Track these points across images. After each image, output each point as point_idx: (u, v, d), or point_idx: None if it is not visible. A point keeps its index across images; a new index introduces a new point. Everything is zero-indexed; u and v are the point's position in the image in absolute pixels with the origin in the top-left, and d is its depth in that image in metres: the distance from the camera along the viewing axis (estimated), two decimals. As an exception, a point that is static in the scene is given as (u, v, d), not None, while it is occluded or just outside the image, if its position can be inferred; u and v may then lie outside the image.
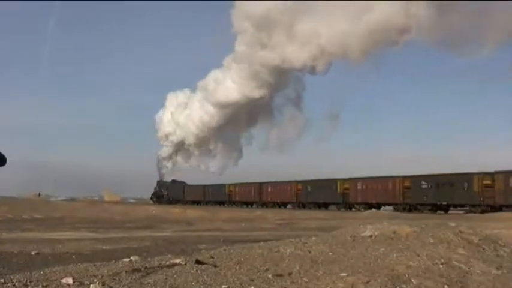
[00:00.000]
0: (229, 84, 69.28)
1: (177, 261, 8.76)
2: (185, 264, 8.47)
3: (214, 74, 73.84)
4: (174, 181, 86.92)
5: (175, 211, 48.05)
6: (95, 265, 8.67)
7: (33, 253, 13.92)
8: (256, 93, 68.36)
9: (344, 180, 53.73)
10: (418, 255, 8.91)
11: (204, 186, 78.11)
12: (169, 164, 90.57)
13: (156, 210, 51.32)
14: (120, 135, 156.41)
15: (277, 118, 76.22)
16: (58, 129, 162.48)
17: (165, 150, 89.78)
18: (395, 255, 8.91)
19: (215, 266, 8.46)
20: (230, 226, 28.20)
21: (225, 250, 9.96)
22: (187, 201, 78.74)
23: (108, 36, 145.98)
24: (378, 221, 12.44)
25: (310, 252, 9.36)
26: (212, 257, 9.13)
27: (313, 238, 10.60)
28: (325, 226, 25.68)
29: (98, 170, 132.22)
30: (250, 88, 67.85)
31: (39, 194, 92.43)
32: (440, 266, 8.48)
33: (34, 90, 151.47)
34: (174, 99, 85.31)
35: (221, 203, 72.62)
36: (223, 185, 74.40)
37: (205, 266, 8.43)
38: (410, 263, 8.48)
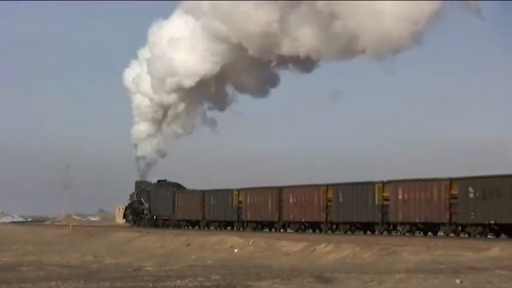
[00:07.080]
0: None
1: None
2: None
3: None
4: (160, 183, 65.07)
5: (288, 248, 36.05)
6: None
7: None
8: None
9: (383, 184, 45.15)
10: None
11: (204, 193, 59.57)
12: (148, 144, 67.24)
13: (243, 245, 38.70)
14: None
15: None
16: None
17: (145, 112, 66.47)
18: None
19: None
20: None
21: None
22: (179, 222, 61.28)
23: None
24: None
25: None
26: None
27: None
28: None
29: (87, 153, 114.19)
30: None
31: None
32: None
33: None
34: None
35: (228, 225, 56.81)
36: (229, 191, 56.58)
37: None
38: None
